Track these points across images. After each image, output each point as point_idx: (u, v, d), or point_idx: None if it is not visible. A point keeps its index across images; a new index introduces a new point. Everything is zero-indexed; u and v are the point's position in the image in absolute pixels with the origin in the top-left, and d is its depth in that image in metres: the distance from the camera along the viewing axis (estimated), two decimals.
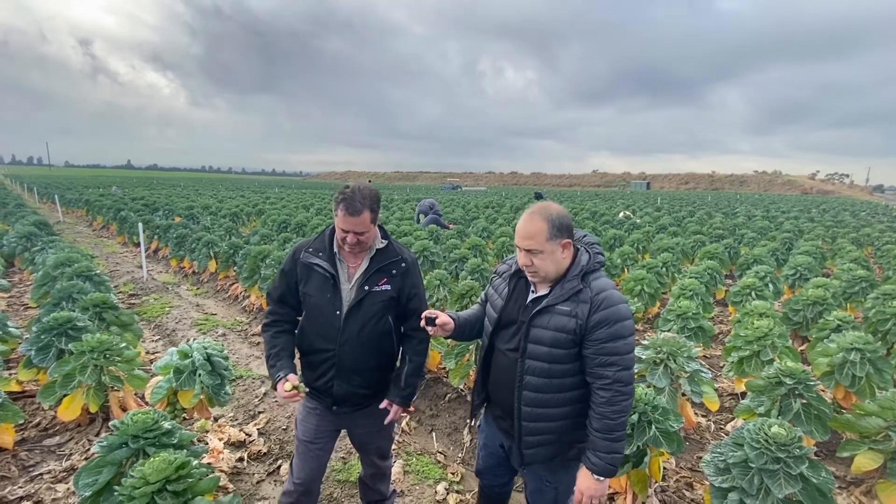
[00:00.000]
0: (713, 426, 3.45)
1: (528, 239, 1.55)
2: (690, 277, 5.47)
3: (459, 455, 3.14)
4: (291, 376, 1.82)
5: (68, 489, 2.44)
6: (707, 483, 2.66)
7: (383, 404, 1.94)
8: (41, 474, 2.61)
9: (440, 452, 3.16)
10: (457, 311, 2.12)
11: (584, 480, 1.61)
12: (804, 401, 2.76)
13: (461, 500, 2.64)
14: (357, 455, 2.62)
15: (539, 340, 1.58)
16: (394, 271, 1.89)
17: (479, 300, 2.01)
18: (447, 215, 13.53)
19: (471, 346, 3.52)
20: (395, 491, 2.33)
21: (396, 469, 2.85)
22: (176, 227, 9.34)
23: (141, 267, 8.19)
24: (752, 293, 5.25)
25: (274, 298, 1.97)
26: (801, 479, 2.03)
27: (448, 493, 2.68)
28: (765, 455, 2.08)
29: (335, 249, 1.88)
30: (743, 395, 3.73)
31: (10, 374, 3.49)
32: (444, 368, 4.04)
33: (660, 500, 2.51)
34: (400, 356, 2.02)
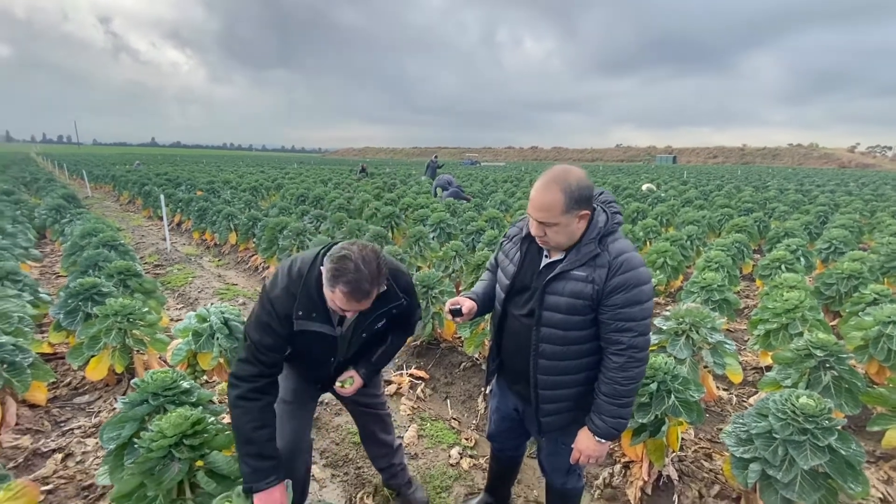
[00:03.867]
0: (735, 399, 3.36)
1: (542, 211, 1.42)
2: (716, 250, 5.27)
3: (474, 422, 3.15)
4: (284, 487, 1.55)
5: (96, 443, 2.54)
6: (727, 454, 2.61)
7: (346, 374, 1.82)
8: (72, 429, 2.73)
9: (454, 419, 3.18)
10: (471, 282, 2.04)
11: (585, 441, 1.58)
12: (835, 374, 2.64)
13: (474, 465, 2.65)
14: None
15: (554, 307, 1.51)
16: (394, 311, 1.70)
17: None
18: (464, 190, 13.37)
19: (486, 315, 3.48)
20: (401, 444, 2.31)
21: (410, 433, 2.88)
22: (197, 201, 9.49)
23: (165, 239, 8.40)
24: (782, 266, 5.03)
25: (258, 359, 1.54)
26: (828, 451, 1.95)
27: (462, 458, 2.69)
28: (791, 426, 2.00)
29: (329, 305, 1.54)
30: (767, 368, 3.61)
31: (42, 337, 3.64)
32: (460, 338, 4.03)
33: (677, 470, 2.46)
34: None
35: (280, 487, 1.54)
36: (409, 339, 3.96)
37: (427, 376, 3.71)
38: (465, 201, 9.94)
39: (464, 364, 3.73)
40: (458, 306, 1.67)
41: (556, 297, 1.50)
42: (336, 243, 1.58)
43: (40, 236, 8.04)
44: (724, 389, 3.51)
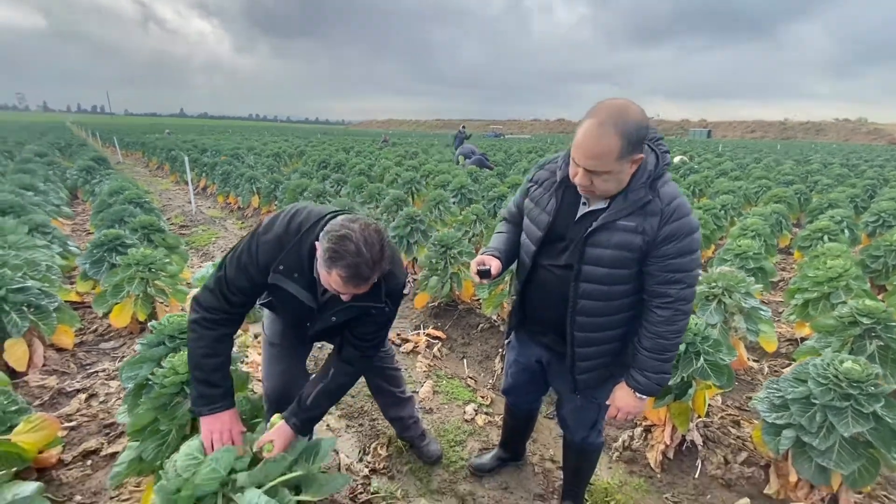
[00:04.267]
0: (766, 369, 3.20)
1: (594, 159, 1.21)
2: (753, 217, 4.97)
3: (490, 381, 3.10)
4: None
5: (119, 385, 2.60)
6: (756, 422, 2.48)
7: (266, 437, 1.52)
8: (96, 372, 2.81)
9: (470, 377, 3.13)
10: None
11: (625, 398, 1.48)
12: (881, 343, 2.45)
13: (489, 422, 2.61)
14: None
15: (597, 261, 1.36)
16: (372, 311, 1.54)
17: (504, 216, 1.77)
18: (489, 159, 13.09)
19: (506, 276, 3.38)
20: (412, 397, 2.26)
21: (426, 389, 2.85)
22: (221, 165, 9.57)
23: (190, 202, 8.54)
24: (825, 237, 4.72)
25: (225, 295, 1.44)
26: (873, 418, 1.81)
27: (477, 414, 2.65)
28: (832, 391, 1.86)
29: (315, 274, 1.43)
30: (802, 340, 3.42)
31: (71, 287, 3.74)
32: (478, 299, 3.95)
33: (701, 435, 2.36)
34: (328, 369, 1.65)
35: (229, 413, 1.51)
36: (427, 300, 3.90)
37: (444, 336, 3.67)
38: (488, 169, 9.71)
39: (481, 325, 3.66)
40: (487, 266, 1.49)
41: (599, 250, 1.35)
42: (342, 213, 1.46)
43: (72, 196, 8.29)
44: (755, 361, 3.34)
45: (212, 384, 1.49)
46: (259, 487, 1.36)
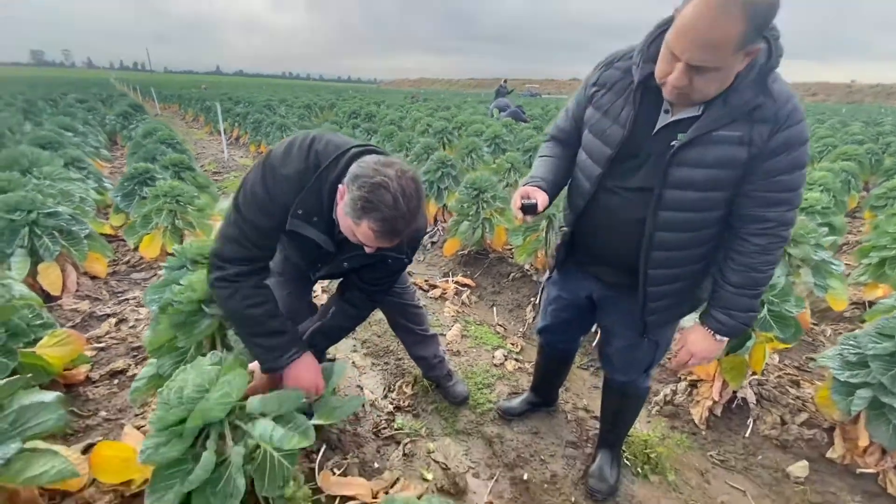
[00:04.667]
0: (829, 331, 2.90)
1: (706, 51, 0.92)
2: (821, 171, 4.48)
3: (521, 329, 2.95)
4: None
5: (148, 312, 2.61)
6: (818, 383, 2.25)
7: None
8: (127, 299, 2.83)
9: (500, 325, 2.99)
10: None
11: (702, 341, 1.27)
12: None
13: (519, 368, 2.48)
14: None
15: (686, 184, 1.10)
16: (389, 261, 1.42)
17: (551, 134, 1.45)
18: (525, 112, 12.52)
19: (541, 223, 3.16)
20: (436, 336, 2.13)
21: (453, 332, 2.73)
22: (253, 113, 9.52)
23: (223, 151, 8.58)
24: None
25: (251, 241, 1.27)
26: None
27: (506, 360, 2.52)
28: None
29: (333, 216, 1.27)
30: (870, 304, 3.08)
31: (106, 221, 3.78)
32: (510, 248, 3.76)
33: (755, 393, 2.15)
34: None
35: (307, 356, 1.40)
36: (456, 247, 3.74)
37: (474, 284, 3.53)
38: (523, 122, 9.26)
39: (513, 274, 3.48)
40: (533, 200, 1.24)
41: (688, 171, 1.09)
42: (369, 150, 1.26)
43: (112, 143, 8.46)
44: (814, 324, 3.04)
45: (274, 332, 1.34)
46: (266, 416, 1.26)
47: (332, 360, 2.32)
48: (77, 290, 2.77)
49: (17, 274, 2.43)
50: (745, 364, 2.05)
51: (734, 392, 2.16)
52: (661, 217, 1.16)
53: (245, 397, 1.27)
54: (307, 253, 1.41)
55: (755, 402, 2.13)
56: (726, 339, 1.26)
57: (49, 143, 4.52)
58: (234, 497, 1.08)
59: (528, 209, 1.24)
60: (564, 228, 1.44)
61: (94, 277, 2.99)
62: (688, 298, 1.34)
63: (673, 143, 1.10)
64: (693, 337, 1.28)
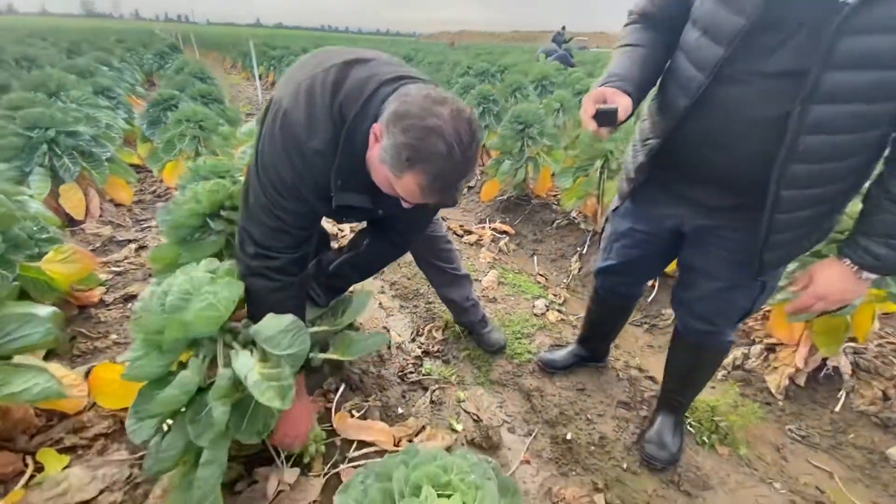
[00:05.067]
0: None
1: None
2: None
3: (564, 280, 2.66)
4: None
5: None
6: None
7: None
8: (150, 227, 2.74)
9: (541, 275, 2.71)
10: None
11: (839, 280, 0.95)
12: None
13: (562, 320, 2.21)
14: None
15: (864, 60, 0.77)
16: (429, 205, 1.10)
17: (640, 10, 1.08)
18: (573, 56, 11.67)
19: (597, 162, 2.78)
20: (468, 276, 1.88)
21: (490, 277, 2.48)
22: (288, 57, 9.23)
23: (258, 94, 8.42)
24: None
25: (294, 225, 1.07)
26: None
27: (548, 310, 2.25)
28: None
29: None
30: None
31: (134, 151, 3.69)
32: (555, 193, 3.41)
33: (852, 363, 1.80)
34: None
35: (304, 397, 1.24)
36: (495, 191, 3.42)
37: (513, 231, 3.23)
38: (571, 67, 8.54)
39: (558, 222, 3.15)
40: (613, 105, 0.93)
41: (869, 39, 0.76)
42: (407, 79, 0.98)
43: (149, 84, 8.43)
44: None
45: None
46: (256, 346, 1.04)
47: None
48: (101, 216, 2.68)
49: (37, 193, 2.33)
50: (845, 328, 1.69)
51: (823, 360, 1.82)
52: (813, 113, 0.82)
53: (240, 318, 1.06)
54: (338, 212, 1.16)
55: (850, 373, 1.79)
56: (876, 276, 0.92)
57: (80, 71, 4.43)
58: (211, 429, 0.88)
59: (605, 117, 0.93)
60: (651, 141, 1.10)
61: (118, 205, 2.90)
62: (821, 228, 1.01)
63: (844, 2, 0.75)
64: (827, 274, 0.96)
